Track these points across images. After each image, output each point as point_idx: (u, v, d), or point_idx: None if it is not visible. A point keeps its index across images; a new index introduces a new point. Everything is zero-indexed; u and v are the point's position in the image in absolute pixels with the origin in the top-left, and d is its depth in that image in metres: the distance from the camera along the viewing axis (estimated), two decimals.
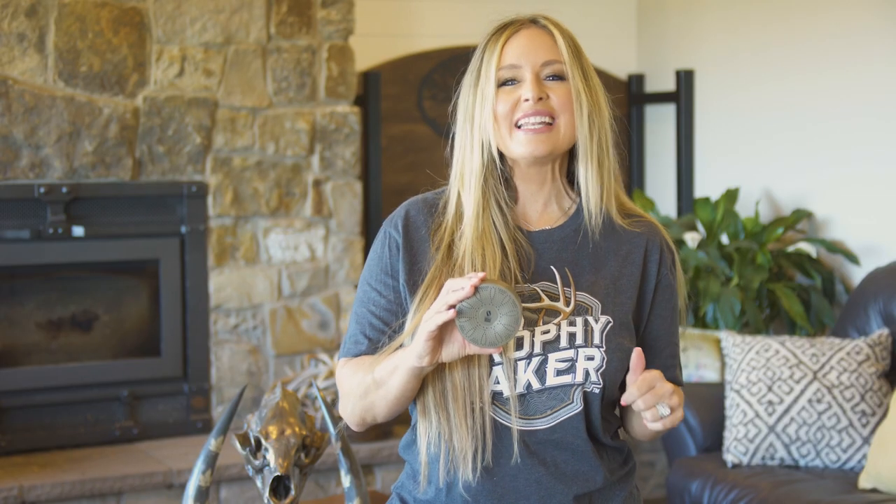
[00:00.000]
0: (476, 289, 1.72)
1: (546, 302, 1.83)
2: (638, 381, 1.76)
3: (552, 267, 1.86)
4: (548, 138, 1.84)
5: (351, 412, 1.90)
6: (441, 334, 1.75)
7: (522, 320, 1.74)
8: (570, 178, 1.94)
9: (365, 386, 1.85)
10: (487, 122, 1.85)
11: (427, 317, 1.74)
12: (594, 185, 1.87)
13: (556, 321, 1.81)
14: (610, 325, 1.85)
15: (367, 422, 1.90)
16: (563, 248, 1.89)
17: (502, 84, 1.85)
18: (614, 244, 1.90)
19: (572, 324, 1.83)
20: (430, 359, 1.75)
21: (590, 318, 1.84)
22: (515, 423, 1.81)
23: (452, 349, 1.76)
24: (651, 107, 5.23)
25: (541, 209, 1.92)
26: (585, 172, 1.87)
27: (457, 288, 1.72)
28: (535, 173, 1.90)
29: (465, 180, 1.89)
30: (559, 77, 1.85)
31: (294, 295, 4.34)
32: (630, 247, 1.91)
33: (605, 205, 1.89)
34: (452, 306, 1.71)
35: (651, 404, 1.76)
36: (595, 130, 1.86)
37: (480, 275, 1.72)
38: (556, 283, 1.85)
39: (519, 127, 1.85)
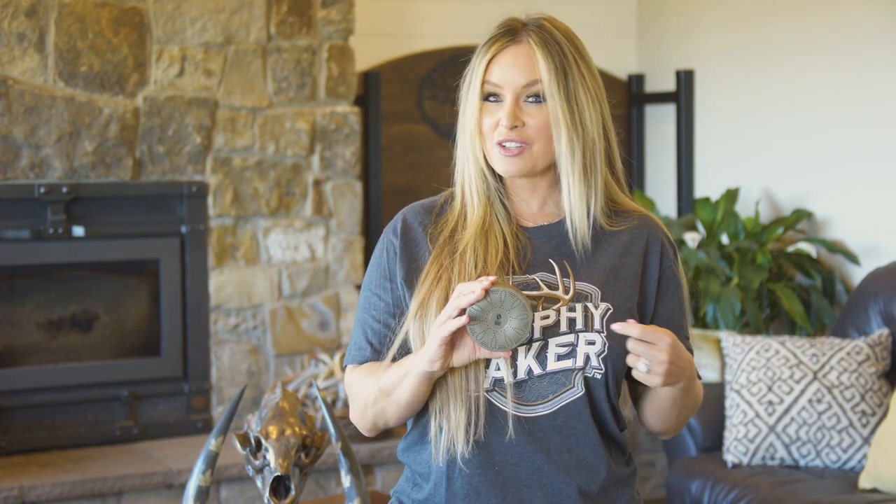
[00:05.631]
0: (486, 292, 1.72)
1: (545, 290, 1.84)
2: (651, 327, 1.76)
3: (550, 260, 1.87)
4: (520, 160, 1.85)
5: (362, 417, 1.92)
6: (452, 339, 1.77)
7: (532, 324, 1.74)
8: None
9: (375, 392, 1.87)
10: (475, 134, 1.88)
11: (438, 322, 1.76)
12: (577, 199, 1.87)
13: (555, 307, 1.82)
14: (610, 311, 1.86)
15: (379, 427, 1.92)
16: (561, 242, 1.90)
17: (487, 98, 1.87)
18: (611, 237, 1.91)
19: (572, 310, 1.84)
20: (442, 364, 1.78)
21: (589, 305, 1.85)
22: (511, 408, 1.82)
23: (463, 353, 1.79)
24: (651, 107, 5.23)
25: (536, 210, 1.94)
26: (568, 189, 1.88)
27: (467, 292, 1.73)
28: (523, 183, 1.92)
29: (465, 184, 1.92)
30: (540, 98, 1.85)
31: (294, 295, 4.34)
32: (629, 237, 1.92)
33: (593, 212, 1.89)
34: (463, 311, 1.73)
35: (638, 353, 1.76)
36: (577, 150, 1.85)
37: (491, 278, 1.73)
38: (554, 275, 1.86)
39: (501, 145, 1.86)
